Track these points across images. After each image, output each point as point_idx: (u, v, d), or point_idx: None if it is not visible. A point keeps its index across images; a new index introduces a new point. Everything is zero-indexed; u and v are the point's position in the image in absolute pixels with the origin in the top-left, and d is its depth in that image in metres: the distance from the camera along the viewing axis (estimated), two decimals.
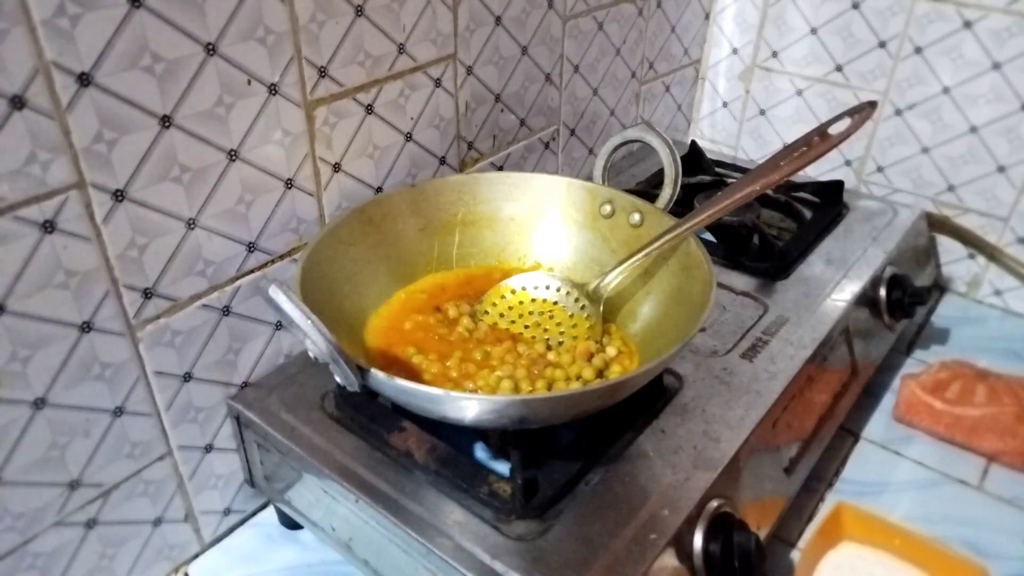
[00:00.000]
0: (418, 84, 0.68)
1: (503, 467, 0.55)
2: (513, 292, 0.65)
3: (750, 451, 0.58)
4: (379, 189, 0.69)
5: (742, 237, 0.78)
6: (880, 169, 0.98)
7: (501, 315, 0.63)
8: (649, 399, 0.60)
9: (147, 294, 0.53)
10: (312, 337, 0.44)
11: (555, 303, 0.64)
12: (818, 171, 1.02)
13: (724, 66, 1.09)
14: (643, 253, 0.60)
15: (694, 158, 0.95)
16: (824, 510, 0.67)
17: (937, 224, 0.95)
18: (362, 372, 0.47)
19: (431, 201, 0.67)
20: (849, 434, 0.76)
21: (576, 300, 0.63)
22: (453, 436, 0.56)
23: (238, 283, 0.60)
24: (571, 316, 0.63)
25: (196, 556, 0.65)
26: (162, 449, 0.59)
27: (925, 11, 0.88)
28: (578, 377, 0.57)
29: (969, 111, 0.89)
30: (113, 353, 0.53)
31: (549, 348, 0.60)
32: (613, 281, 0.62)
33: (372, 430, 0.57)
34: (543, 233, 0.69)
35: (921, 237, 0.90)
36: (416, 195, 0.66)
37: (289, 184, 0.61)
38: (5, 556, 0.51)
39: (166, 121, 0.50)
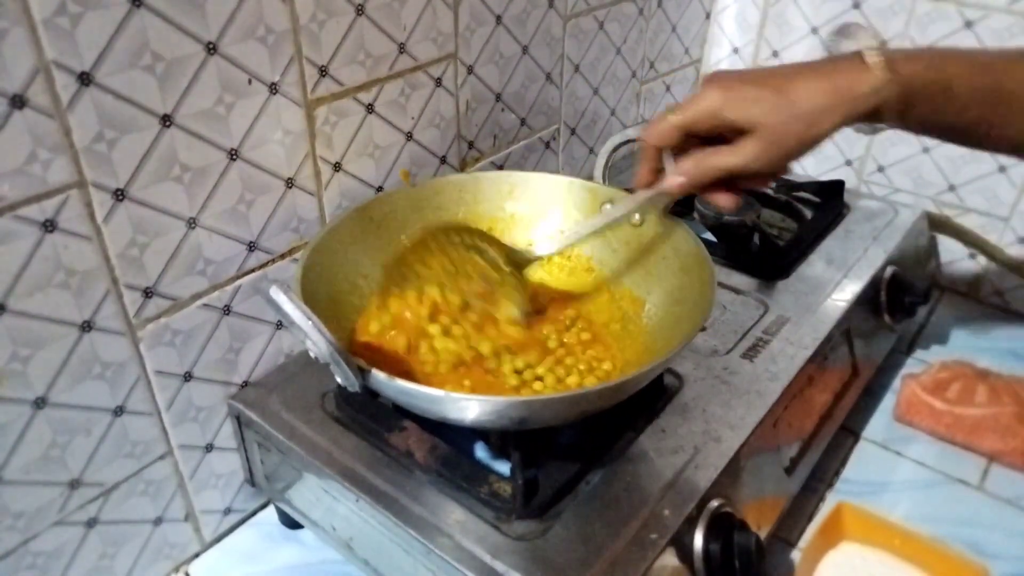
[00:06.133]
0: (419, 83, 0.68)
1: (504, 467, 0.55)
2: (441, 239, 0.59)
3: (750, 451, 0.58)
4: (380, 188, 0.69)
5: (742, 237, 0.78)
6: (881, 169, 0.98)
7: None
8: (649, 399, 0.60)
9: (148, 293, 0.53)
10: (313, 338, 0.44)
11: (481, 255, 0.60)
12: (819, 171, 1.02)
13: (725, 65, 1.08)
14: (577, 236, 0.60)
15: None
16: (824, 510, 0.67)
17: (938, 224, 0.95)
18: (363, 373, 0.47)
19: (432, 200, 0.66)
20: (849, 434, 0.76)
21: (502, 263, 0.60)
22: (454, 436, 0.56)
23: (239, 282, 0.60)
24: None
25: (197, 555, 0.65)
26: (162, 448, 0.59)
27: (926, 11, 0.88)
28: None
29: None
30: (113, 352, 0.53)
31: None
32: (549, 251, 0.61)
33: (373, 430, 0.57)
34: (544, 232, 0.69)
35: (922, 237, 0.90)
36: (417, 194, 0.66)
37: (290, 183, 0.61)
38: (5, 555, 0.51)
39: (167, 120, 0.50)
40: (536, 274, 0.68)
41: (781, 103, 0.51)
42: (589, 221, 0.61)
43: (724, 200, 0.56)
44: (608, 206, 0.62)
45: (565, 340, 0.61)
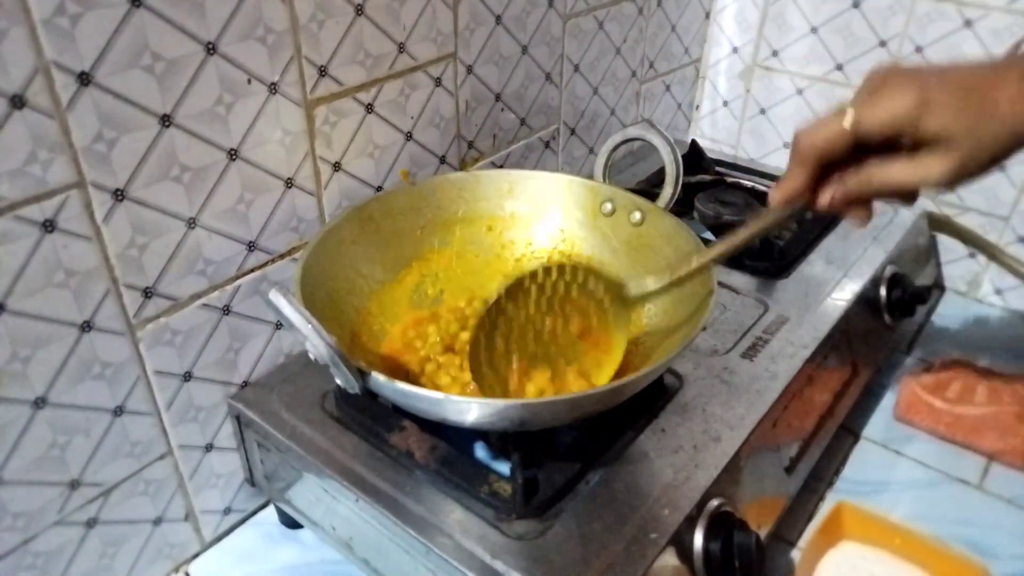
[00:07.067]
0: (418, 83, 0.68)
1: (503, 467, 0.55)
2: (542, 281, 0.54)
3: (750, 450, 0.58)
4: (379, 188, 0.69)
5: None
6: None
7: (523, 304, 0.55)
8: (649, 398, 0.60)
9: (147, 293, 0.53)
10: (313, 341, 0.45)
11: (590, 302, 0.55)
12: None
13: (724, 65, 1.08)
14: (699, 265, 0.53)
15: (695, 157, 0.95)
16: (824, 509, 0.67)
17: (937, 223, 0.95)
18: (363, 375, 0.47)
19: (431, 200, 0.67)
20: (849, 433, 0.76)
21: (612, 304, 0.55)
22: (453, 436, 0.56)
23: (238, 282, 0.60)
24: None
25: (196, 555, 0.65)
26: (162, 448, 0.59)
27: (926, 10, 0.88)
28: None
29: None
30: (113, 352, 0.53)
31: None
32: (654, 287, 0.55)
33: (372, 429, 0.57)
34: (544, 231, 0.69)
35: (921, 236, 0.90)
36: (416, 194, 0.66)
37: (289, 183, 0.61)
38: (5, 555, 0.51)
39: (166, 120, 0.50)
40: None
41: (983, 114, 0.43)
42: (711, 248, 0.53)
43: (864, 217, 0.48)
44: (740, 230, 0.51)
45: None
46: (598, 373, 0.55)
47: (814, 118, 0.47)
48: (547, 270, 0.54)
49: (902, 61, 0.48)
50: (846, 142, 0.45)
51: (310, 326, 0.44)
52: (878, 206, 0.49)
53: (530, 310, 0.54)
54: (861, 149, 0.46)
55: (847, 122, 0.45)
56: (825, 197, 0.47)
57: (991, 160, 0.44)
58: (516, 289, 0.53)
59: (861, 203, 0.48)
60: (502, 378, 0.53)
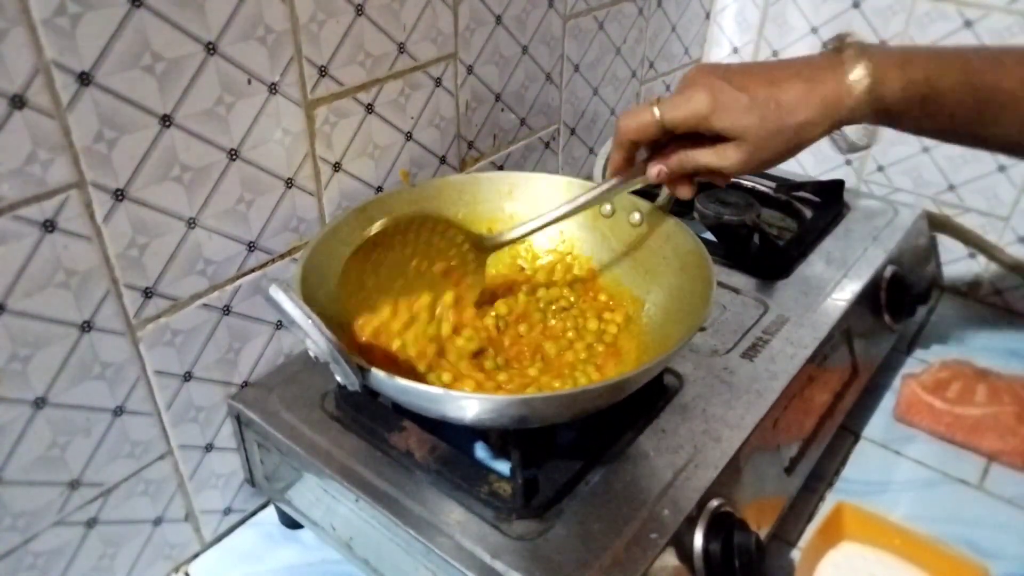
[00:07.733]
0: (418, 83, 0.68)
1: (503, 466, 0.55)
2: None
3: (750, 451, 0.58)
4: (379, 188, 0.69)
5: (742, 237, 0.78)
6: (880, 168, 0.98)
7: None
8: (649, 398, 0.60)
9: (147, 293, 0.53)
10: (312, 337, 0.44)
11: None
12: (818, 170, 1.02)
13: None
14: (545, 220, 0.60)
15: None
16: (824, 510, 0.68)
17: (938, 223, 0.95)
18: (363, 371, 0.47)
19: (431, 201, 0.66)
20: (849, 433, 0.76)
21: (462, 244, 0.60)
22: (454, 435, 0.56)
23: (238, 282, 0.60)
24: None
25: (196, 555, 0.65)
26: (162, 448, 0.59)
27: (926, 10, 0.88)
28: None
29: None
30: (113, 352, 0.53)
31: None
32: (508, 237, 0.61)
33: (372, 429, 0.57)
34: (543, 233, 0.69)
35: (922, 237, 0.90)
36: (416, 195, 0.66)
37: (289, 183, 0.61)
38: (5, 556, 0.51)
39: (166, 120, 0.50)
40: (537, 274, 0.68)
41: (768, 115, 0.51)
42: (557, 208, 0.59)
43: (687, 191, 0.57)
44: (581, 193, 0.60)
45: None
46: (464, 304, 0.61)
47: (634, 105, 0.55)
48: (411, 220, 0.57)
49: (718, 63, 0.55)
50: (655, 131, 0.54)
51: (310, 321, 0.44)
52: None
53: (396, 253, 0.57)
54: (676, 135, 0.54)
55: (655, 116, 0.53)
56: (652, 171, 0.56)
57: (775, 155, 0.53)
58: (383, 236, 0.56)
59: (684, 180, 0.57)
60: (368, 296, 0.57)
